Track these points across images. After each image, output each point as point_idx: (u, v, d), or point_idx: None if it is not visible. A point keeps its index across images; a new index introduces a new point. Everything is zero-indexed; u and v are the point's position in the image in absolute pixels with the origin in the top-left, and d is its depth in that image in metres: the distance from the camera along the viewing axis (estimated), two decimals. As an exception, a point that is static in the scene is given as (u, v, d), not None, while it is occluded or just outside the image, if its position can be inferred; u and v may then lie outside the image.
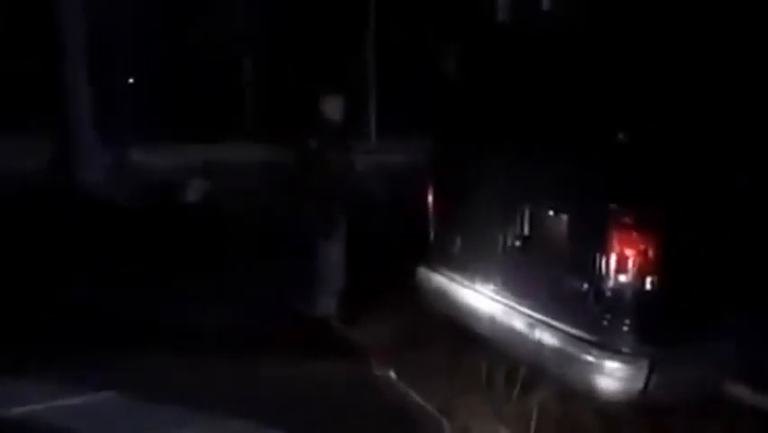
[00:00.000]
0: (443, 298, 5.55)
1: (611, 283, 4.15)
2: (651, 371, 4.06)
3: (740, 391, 4.41)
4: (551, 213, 4.63)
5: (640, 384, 4.07)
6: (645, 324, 4.11)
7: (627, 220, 4.09)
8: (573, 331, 4.38)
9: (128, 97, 14.90)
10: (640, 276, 4.08)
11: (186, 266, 7.69)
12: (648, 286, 4.08)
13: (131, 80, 19.75)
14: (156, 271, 7.52)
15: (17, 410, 4.71)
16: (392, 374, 5.44)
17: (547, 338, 4.50)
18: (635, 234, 4.07)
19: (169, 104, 18.25)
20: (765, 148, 4.27)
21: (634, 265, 4.08)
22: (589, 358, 4.21)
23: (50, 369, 5.16)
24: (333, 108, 6.55)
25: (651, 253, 4.06)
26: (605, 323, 4.21)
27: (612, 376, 4.12)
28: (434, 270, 5.70)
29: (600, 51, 4.41)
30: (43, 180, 12.03)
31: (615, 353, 4.14)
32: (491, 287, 5.08)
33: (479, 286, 5.18)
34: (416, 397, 5.10)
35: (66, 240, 8.85)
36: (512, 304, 4.87)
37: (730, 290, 4.16)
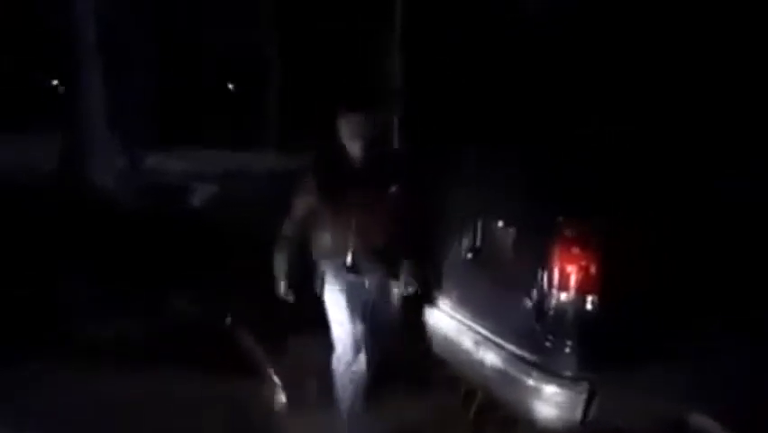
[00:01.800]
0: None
1: (553, 301, 3.87)
2: (591, 397, 3.75)
3: (703, 423, 4.08)
4: (500, 224, 4.35)
5: (579, 411, 3.77)
6: (586, 346, 3.81)
7: (569, 234, 3.81)
8: (518, 351, 4.09)
9: (147, 100, 14.81)
10: (581, 294, 3.79)
11: (151, 272, 7.48)
12: (590, 305, 3.78)
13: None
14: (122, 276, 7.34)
15: None
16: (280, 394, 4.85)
17: (492, 358, 4.22)
18: (576, 249, 3.79)
19: (191, 107, 18.17)
20: (717, 161, 3.98)
21: (575, 282, 3.79)
22: (529, 382, 3.92)
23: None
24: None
25: (593, 270, 3.77)
26: (547, 344, 3.93)
27: (549, 402, 3.83)
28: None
29: (553, 65, 4.20)
30: (52, 181, 11.99)
31: (554, 376, 3.84)
32: (446, 301, 4.81)
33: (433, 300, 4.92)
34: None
35: (68, 239, 8.72)
36: (463, 320, 4.60)
37: (681, 311, 3.84)
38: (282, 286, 4.61)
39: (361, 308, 4.49)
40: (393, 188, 4.45)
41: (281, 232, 4.59)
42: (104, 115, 12.59)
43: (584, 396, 3.75)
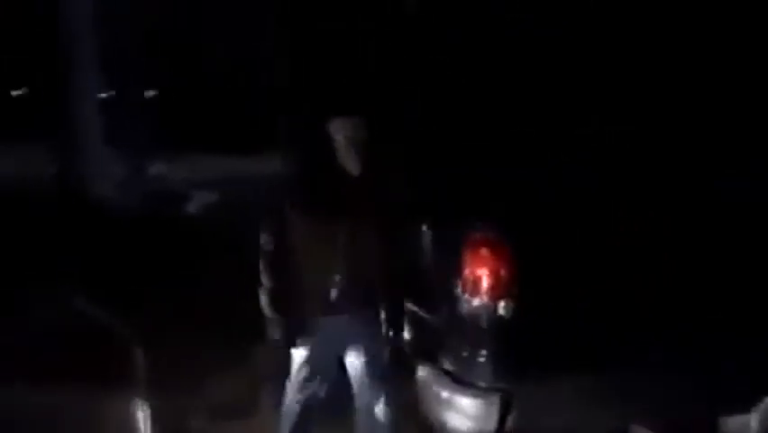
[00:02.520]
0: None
1: (466, 307, 3.67)
2: (505, 408, 3.55)
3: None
4: (424, 228, 4.16)
5: (493, 423, 3.57)
6: (499, 355, 3.61)
7: (479, 236, 3.61)
8: (437, 361, 3.91)
9: (148, 106, 14.83)
10: (493, 299, 3.58)
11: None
12: (502, 311, 3.57)
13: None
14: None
15: None
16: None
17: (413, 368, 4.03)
18: (485, 252, 3.58)
19: (194, 113, 18.11)
20: (634, 162, 3.79)
21: (486, 287, 3.59)
22: (444, 393, 3.73)
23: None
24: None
25: (504, 274, 3.56)
26: (464, 353, 3.73)
27: (463, 414, 3.63)
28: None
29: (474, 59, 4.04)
30: (49, 191, 11.99)
31: (468, 387, 3.65)
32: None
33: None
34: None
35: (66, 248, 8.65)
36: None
37: (604, 317, 3.62)
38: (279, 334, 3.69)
39: (336, 363, 3.70)
40: (392, 208, 3.63)
41: (261, 273, 3.71)
42: (101, 124, 12.61)
43: (496, 407, 3.55)
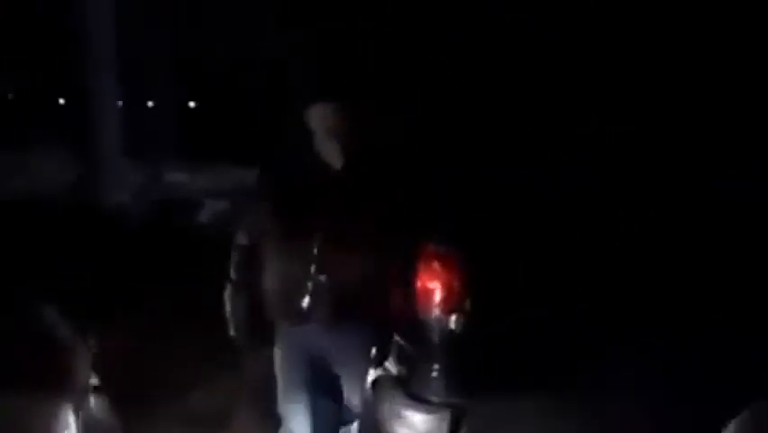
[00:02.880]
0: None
1: (420, 320, 3.61)
2: (455, 425, 3.49)
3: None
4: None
5: (443, 439, 3.51)
6: (451, 369, 3.55)
7: (431, 249, 3.55)
8: (393, 375, 3.84)
9: (166, 115, 14.93)
10: (445, 313, 3.53)
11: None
12: (453, 325, 3.52)
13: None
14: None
15: None
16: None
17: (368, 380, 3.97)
18: (437, 264, 3.52)
19: (213, 123, 18.12)
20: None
21: (438, 300, 3.54)
22: (396, 407, 3.66)
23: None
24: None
25: (456, 286, 3.51)
26: (420, 367, 3.67)
27: (414, 429, 3.56)
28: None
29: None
30: (66, 199, 12.09)
31: (420, 402, 3.58)
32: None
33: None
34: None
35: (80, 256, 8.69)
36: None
37: (560, 333, 3.56)
38: (243, 334, 3.61)
39: (310, 376, 3.44)
40: (380, 210, 3.30)
41: (231, 267, 3.58)
42: (119, 132, 12.70)
43: (447, 423, 3.49)
